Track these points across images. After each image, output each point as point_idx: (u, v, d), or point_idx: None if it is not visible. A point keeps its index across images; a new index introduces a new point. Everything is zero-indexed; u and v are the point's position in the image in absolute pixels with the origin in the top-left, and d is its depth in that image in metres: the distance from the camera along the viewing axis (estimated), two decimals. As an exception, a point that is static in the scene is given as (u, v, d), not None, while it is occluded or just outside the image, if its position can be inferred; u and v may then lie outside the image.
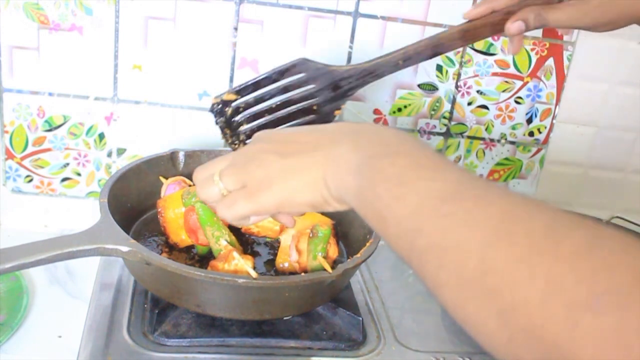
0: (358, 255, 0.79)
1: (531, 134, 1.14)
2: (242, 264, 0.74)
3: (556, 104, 1.12)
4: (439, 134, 1.11)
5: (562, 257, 0.36)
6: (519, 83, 1.10)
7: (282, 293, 0.75)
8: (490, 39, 1.06)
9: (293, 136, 0.59)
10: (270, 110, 0.79)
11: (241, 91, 0.80)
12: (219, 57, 1.01)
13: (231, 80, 1.03)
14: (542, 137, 1.14)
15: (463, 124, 1.11)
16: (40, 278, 0.91)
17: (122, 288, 0.87)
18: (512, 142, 1.14)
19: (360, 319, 0.82)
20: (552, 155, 1.16)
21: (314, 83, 0.78)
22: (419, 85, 1.08)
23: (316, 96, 0.79)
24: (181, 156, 0.97)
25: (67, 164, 1.03)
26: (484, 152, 1.14)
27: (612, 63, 1.11)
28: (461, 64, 1.07)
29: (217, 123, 0.81)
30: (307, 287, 0.76)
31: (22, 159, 1.02)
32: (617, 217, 1.10)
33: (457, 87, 1.09)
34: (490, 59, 1.07)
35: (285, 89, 0.78)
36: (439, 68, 1.07)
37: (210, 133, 1.05)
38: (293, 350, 0.79)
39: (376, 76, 0.79)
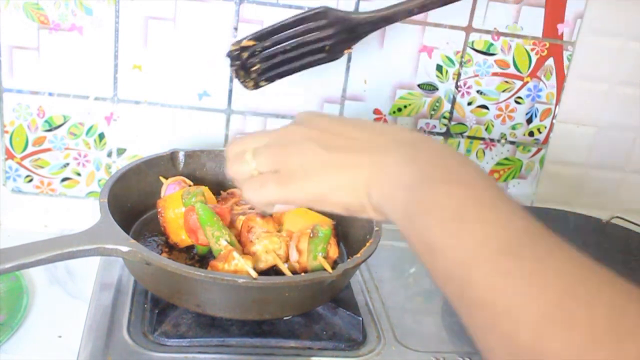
0: (358, 255, 0.79)
1: (531, 134, 1.14)
2: (242, 263, 0.74)
3: (556, 104, 1.12)
4: (439, 134, 1.11)
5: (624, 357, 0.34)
6: (519, 83, 1.10)
7: (282, 293, 0.75)
8: (490, 39, 1.06)
9: (342, 127, 0.54)
10: (284, 52, 0.81)
11: (259, 37, 0.82)
12: (219, 57, 1.01)
13: (231, 80, 1.03)
14: (542, 137, 1.14)
15: (463, 124, 1.11)
16: (40, 278, 0.91)
17: (122, 288, 0.87)
18: (512, 142, 1.14)
19: (360, 319, 0.82)
20: (552, 155, 1.16)
21: (332, 29, 0.80)
22: (419, 85, 1.08)
23: (330, 39, 0.80)
24: (181, 156, 0.97)
25: (67, 164, 1.03)
26: (484, 152, 1.14)
27: (612, 63, 1.11)
28: (461, 64, 1.07)
29: (231, 66, 0.84)
30: (307, 287, 0.75)
31: (22, 159, 1.02)
32: (617, 217, 1.10)
33: (457, 87, 1.09)
34: (490, 58, 1.07)
35: (302, 34, 0.80)
36: (439, 68, 1.07)
37: (210, 133, 1.05)
38: (293, 350, 0.79)
39: (390, 22, 0.81)
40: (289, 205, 0.56)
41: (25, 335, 0.80)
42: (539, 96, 1.11)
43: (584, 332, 0.35)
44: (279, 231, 0.85)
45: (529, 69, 1.09)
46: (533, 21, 1.06)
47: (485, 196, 0.45)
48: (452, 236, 0.43)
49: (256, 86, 0.89)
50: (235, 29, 1.00)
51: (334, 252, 0.82)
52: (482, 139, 1.13)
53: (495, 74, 1.09)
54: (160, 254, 0.83)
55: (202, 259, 0.86)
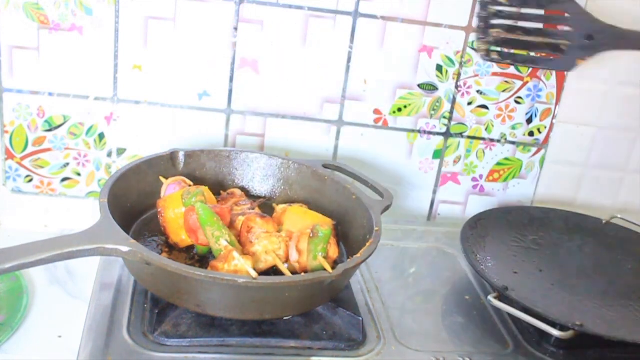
0: (358, 255, 0.79)
1: (531, 133, 1.14)
2: (242, 263, 0.74)
3: (556, 104, 1.12)
4: (439, 134, 1.11)
5: None
6: (519, 83, 1.10)
7: (282, 293, 0.75)
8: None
9: None
10: (524, 32, 0.80)
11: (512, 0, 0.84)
12: (219, 57, 1.02)
13: (231, 80, 1.03)
14: (542, 137, 1.14)
15: (463, 124, 1.11)
16: (40, 278, 0.91)
17: (122, 288, 0.87)
18: (512, 142, 1.14)
19: (360, 319, 0.82)
20: (552, 155, 1.16)
21: (572, 25, 0.80)
22: (419, 85, 1.08)
23: (569, 38, 0.80)
24: (181, 156, 0.97)
25: (67, 164, 1.03)
26: (484, 152, 1.14)
27: (612, 63, 1.11)
28: (461, 64, 1.07)
29: (477, 15, 0.86)
30: (307, 287, 0.75)
31: (22, 159, 1.02)
32: (617, 217, 1.10)
33: (457, 87, 1.09)
34: (490, 59, 1.07)
35: (546, 20, 0.80)
36: (439, 68, 1.07)
37: (210, 133, 1.06)
38: (293, 350, 0.79)
39: (628, 46, 0.80)
40: None
41: (26, 335, 0.80)
42: (539, 96, 1.11)
43: None
44: (278, 231, 0.85)
45: (529, 69, 1.09)
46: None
47: None
48: None
49: (487, 54, 0.91)
50: (236, 29, 1.00)
51: (334, 252, 0.82)
52: (482, 138, 1.13)
53: (495, 74, 1.09)
54: (160, 254, 0.83)
55: (202, 259, 0.85)
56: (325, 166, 0.99)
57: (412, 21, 1.03)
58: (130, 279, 0.88)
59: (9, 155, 1.02)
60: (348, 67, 1.05)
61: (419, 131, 1.10)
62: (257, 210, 0.89)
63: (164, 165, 0.95)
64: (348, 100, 1.07)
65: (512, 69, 1.08)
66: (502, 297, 0.87)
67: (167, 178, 0.93)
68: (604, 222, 1.10)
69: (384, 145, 1.11)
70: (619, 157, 1.18)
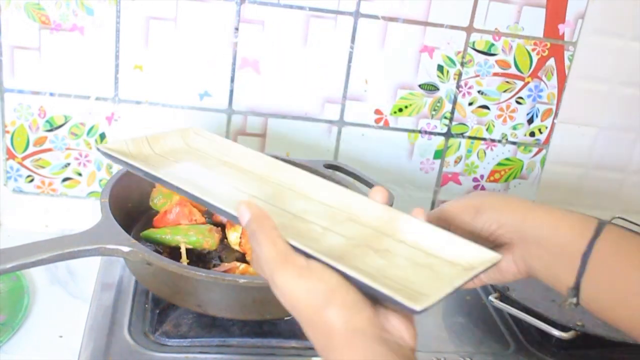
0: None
1: (532, 134, 1.14)
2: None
3: (557, 104, 1.12)
4: (439, 134, 1.11)
5: None
6: (520, 83, 1.10)
7: (283, 293, 0.75)
8: (491, 39, 1.06)
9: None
10: None
11: None
12: (220, 57, 1.02)
13: (232, 80, 1.03)
14: (543, 137, 1.14)
15: (464, 124, 1.11)
16: (41, 278, 0.91)
17: (123, 288, 0.87)
18: (513, 143, 1.14)
19: (361, 319, 0.82)
20: (553, 156, 1.16)
21: None
22: (419, 86, 1.08)
23: None
24: (182, 156, 0.97)
25: (68, 164, 1.03)
26: (484, 153, 1.14)
27: (613, 63, 1.11)
28: (462, 64, 1.07)
29: None
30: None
31: (23, 159, 1.02)
32: (618, 217, 1.10)
33: (458, 87, 1.08)
34: (491, 59, 1.07)
35: None
36: (440, 68, 1.07)
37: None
38: (294, 351, 0.79)
39: None
40: None
41: (26, 335, 0.80)
42: (540, 96, 1.11)
43: None
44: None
45: (530, 69, 1.09)
46: (534, 21, 1.06)
47: None
48: None
49: None
50: (236, 29, 1.00)
51: None
52: (483, 139, 1.13)
53: (496, 74, 1.09)
54: (161, 254, 0.83)
55: (203, 259, 0.86)
56: (326, 166, 0.99)
57: (413, 21, 1.03)
58: (131, 279, 0.88)
59: (10, 155, 1.02)
60: (349, 67, 1.05)
61: (419, 131, 1.10)
62: None
63: (164, 165, 0.95)
64: (349, 101, 1.07)
65: (513, 69, 1.08)
66: (503, 297, 0.87)
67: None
68: (604, 222, 1.10)
69: (385, 146, 1.11)
70: (621, 157, 1.18)
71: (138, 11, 0.97)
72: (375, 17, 1.02)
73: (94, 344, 0.76)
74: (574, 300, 0.57)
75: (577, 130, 1.15)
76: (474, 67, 1.07)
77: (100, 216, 0.78)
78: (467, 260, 0.56)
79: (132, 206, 0.90)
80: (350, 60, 1.05)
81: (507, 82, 1.09)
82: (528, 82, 1.10)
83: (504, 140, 1.13)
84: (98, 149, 0.67)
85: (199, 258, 0.85)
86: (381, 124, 1.09)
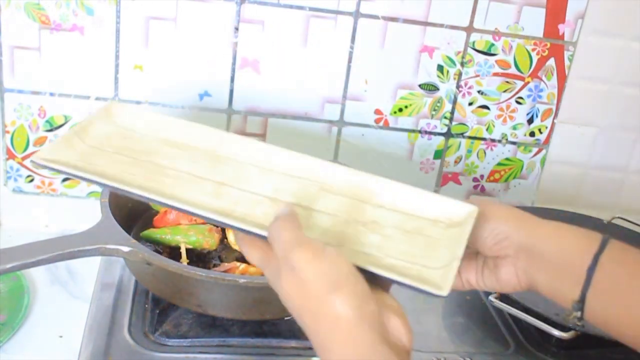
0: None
1: (532, 134, 1.14)
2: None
3: (557, 104, 1.12)
4: (439, 134, 1.11)
5: None
6: (520, 83, 1.10)
7: (283, 293, 0.75)
8: (491, 39, 1.06)
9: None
10: None
11: None
12: (220, 57, 1.02)
13: (232, 80, 1.03)
14: (543, 137, 1.14)
15: (464, 124, 1.11)
16: (41, 278, 0.91)
17: (123, 288, 0.87)
18: (513, 143, 1.14)
19: (361, 319, 0.82)
20: (553, 156, 1.16)
21: None
22: (419, 86, 1.08)
23: None
24: (182, 156, 0.97)
25: (68, 164, 1.03)
26: (484, 153, 1.14)
27: (613, 63, 1.11)
28: (462, 64, 1.07)
29: None
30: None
31: (23, 158, 1.02)
32: (618, 217, 1.10)
33: (458, 87, 1.08)
34: (492, 59, 1.07)
35: None
36: (440, 68, 1.07)
37: (211, 133, 1.05)
38: (294, 351, 0.79)
39: None
40: None
41: (26, 335, 0.80)
42: (540, 96, 1.11)
43: None
44: None
45: (530, 69, 1.09)
46: (534, 21, 1.06)
47: None
48: None
49: None
50: (236, 29, 1.00)
51: None
52: (483, 139, 1.13)
53: (496, 74, 1.09)
54: (161, 254, 0.83)
55: (203, 259, 0.86)
56: (326, 166, 0.99)
57: (413, 21, 1.03)
58: (131, 279, 0.88)
59: (10, 155, 1.02)
60: (349, 67, 1.05)
61: (419, 131, 1.10)
62: None
63: (165, 165, 0.95)
64: (349, 101, 1.07)
65: (513, 69, 1.08)
66: (503, 297, 0.87)
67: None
68: (605, 222, 1.10)
69: (385, 146, 1.11)
70: (621, 157, 1.18)
71: (138, 11, 0.97)
72: (375, 17, 1.02)
73: (94, 344, 0.76)
74: (579, 314, 0.58)
75: (577, 130, 1.15)
76: (474, 67, 1.07)
77: (100, 216, 0.78)
78: (446, 216, 0.59)
79: (132, 206, 0.90)
80: (350, 60, 1.05)
81: (507, 82, 1.09)
82: (528, 82, 1.10)
83: (504, 140, 1.13)
84: (32, 162, 0.59)
85: (199, 258, 0.85)
86: (381, 124, 1.09)
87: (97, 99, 1.01)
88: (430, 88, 1.08)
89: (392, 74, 1.06)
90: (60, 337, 0.81)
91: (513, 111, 1.11)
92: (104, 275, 0.90)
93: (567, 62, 1.09)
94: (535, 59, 1.08)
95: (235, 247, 0.88)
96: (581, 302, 0.58)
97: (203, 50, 1.01)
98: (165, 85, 1.02)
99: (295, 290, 0.50)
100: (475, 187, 1.16)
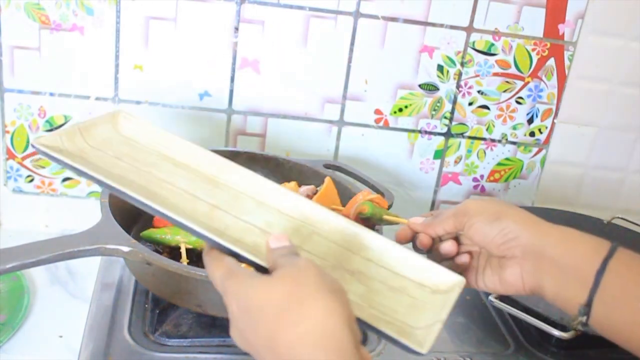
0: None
1: (532, 134, 1.14)
2: None
3: (557, 104, 1.12)
4: (439, 134, 1.11)
5: None
6: (519, 83, 1.10)
7: (283, 293, 0.75)
8: (491, 39, 1.06)
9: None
10: None
11: None
12: (220, 57, 1.02)
13: (232, 80, 1.03)
14: (543, 137, 1.14)
15: (464, 124, 1.11)
16: (41, 278, 0.91)
17: (123, 288, 0.87)
18: (513, 143, 1.14)
19: (361, 319, 0.82)
20: (553, 156, 1.16)
21: None
22: (419, 85, 1.08)
23: None
24: (182, 156, 0.96)
25: (68, 164, 1.03)
26: (484, 152, 1.14)
27: (613, 63, 1.11)
28: (462, 64, 1.07)
29: None
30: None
31: (23, 158, 1.02)
32: (618, 217, 1.10)
33: (458, 87, 1.08)
34: (491, 59, 1.07)
35: None
36: (440, 68, 1.07)
37: (211, 133, 1.06)
38: (294, 351, 0.79)
39: None
40: None
41: (26, 335, 0.80)
42: (540, 96, 1.11)
43: None
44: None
45: (530, 69, 1.09)
46: (534, 21, 1.06)
47: None
48: None
49: None
50: (236, 29, 1.00)
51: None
52: (483, 139, 1.13)
53: (496, 74, 1.09)
54: (161, 254, 0.83)
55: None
56: (326, 166, 0.99)
57: (413, 21, 1.03)
58: (131, 279, 0.88)
59: (10, 155, 1.02)
60: (349, 67, 1.05)
61: (419, 131, 1.10)
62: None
63: (164, 165, 0.95)
64: (349, 100, 1.07)
65: (513, 69, 1.08)
66: (503, 297, 0.87)
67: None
68: (605, 222, 1.10)
69: (385, 146, 1.11)
70: (621, 157, 1.18)
71: (138, 11, 0.97)
72: (375, 17, 1.02)
73: (94, 344, 0.76)
74: (584, 318, 0.58)
75: (577, 130, 1.15)
76: (474, 67, 1.07)
77: (100, 216, 0.78)
78: (433, 282, 0.59)
79: (132, 206, 0.90)
80: (350, 60, 1.05)
81: (507, 82, 1.09)
82: (528, 82, 1.10)
83: (504, 140, 1.13)
84: (32, 146, 0.61)
85: (199, 258, 0.85)
86: (381, 124, 1.09)
87: (97, 99, 1.01)
88: (430, 88, 1.08)
89: (392, 74, 1.06)
90: (60, 337, 0.81)
91: (513, 111, 1.11)
92: (104, 275, 0.90)
93: (567, 62, 1.09)
94: (535, 59, 1.08)
95: None
96: (588, 306, 0.58)
97: (203, 50, 1.01)
98: (165, 85, 1.02)
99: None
100: (475, 187, 1.16)
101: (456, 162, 1.14)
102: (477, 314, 0.93)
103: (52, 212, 1.05)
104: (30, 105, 0.99)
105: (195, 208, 0.60)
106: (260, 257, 0.53)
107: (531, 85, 1.10)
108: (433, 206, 1.16)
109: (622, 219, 1.09)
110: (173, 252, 0.85)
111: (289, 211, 0.63)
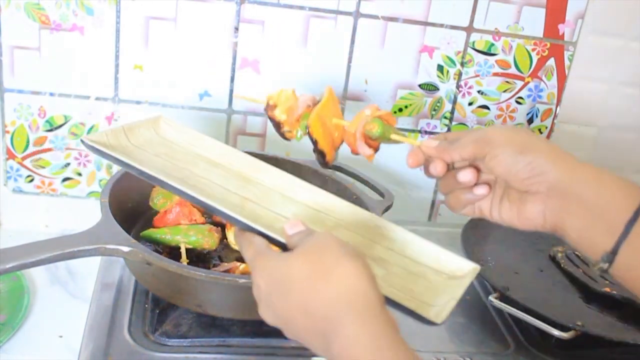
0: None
1: (532, 134, 1.13)
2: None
3: (557, 104, 1.12)
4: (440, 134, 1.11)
5: None
6: (519, 83, 1.10)
7: (283, 293, 0.75)
8: (491, 39, 1.06)
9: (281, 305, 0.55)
10: None
11: None
12: (220, 57, 1.02)
13: (232, 80, 1.03)
14: (543, 137, 1.14)
15: (464, 124, 1.11)
16: (41, 278, 0.91)
17: (123, 288, 0.87)
18: (513, 142, 1.14)
19: (361, 319, 0.82)
20: (553, 156, 1.16)
21: None
22: (419, 85, 1.08)
23: None
24: (182, 156, 0.97)
25: (68, 163, 1.03)
26: (484, 152, 1.13)
27: (612, 63, 1.11)
28: (462, 64, 1.07)
29: None
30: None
31: (23, 158, 1.02)
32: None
33: (458, 87, 1.09)
34: (492, 59, 1.07)
35: None
36: (440, 68, 1.07)
37: (211, 133, 1.05)
38: (294, 351, 0.79)
39: None
40: None
41: (26, 335, 0.80)
42: (539, 96, 1.11)
43: None
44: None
45: (530, 69, 1.09)
46: (534, 21, 1.06)
47: None
48: None
49: None
50: (236, 29, 1.00)
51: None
52: (483, 139, 1.12)
53: (496, 74, 1.09)
54: (161, 254, 0.83)
55: (203, 259, 0.86)
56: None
57: (413, 21, 1.03)
58: (131, 279, 0.88)
59: (10, 155, 1.02)
60: (349, 67, 1.05)
61: (419, 131, 1.10)
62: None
63: (164, 165, 0.95)
64: (349, 100, 1.07)
65: (513, 69, 1.08)
66: (503, 297, 0.87)
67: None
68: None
69: (385, 145, 1.10)
70: (620, 157, 1.18)
71: (138, 11, 0.97)
72: (375, 17, 1.02)
73: (94, 344, 0.76)
74: (606, 265, 0.55)
75: (577, 130, 1.15)
76: (474, 67, 1.07)
77: (100, 216, 0.78)
78: (450, 269, 0.63)
79: (132, 206, 0.90)
80: (350, 60, 1.05)
81: (507, 82, 1.09)
82: (528, 82, 1.10)
83: (504, 140, 1.13)
84: (82, 142, 0.67)
85: (199, 258, 0.85)
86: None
87: (97, 99, 1.01)
88: (430, 88, 1.08)
89: (392, 73, 1.06)
90: (60, 337, 0.81)
91: (513, 111, 1.11)
92: (104, 275, 0.90)
93: (567, 62, 1.09)
94: (535, 59, 1.08)
95: (235, 247, 0.88)
96: (612, 254, 0.54)
97: (203, 50, 1.01)
98: (165, 85, 1.02)
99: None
100: (475, 187, 1.16)
101: (456, 162, 1.14)
102: (477, 314, 0.93)
103: (52, 212, 1.05)
104: (30, 105, 1.00)
105: (229, 200, 0.66)
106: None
107: (531, 85, 1.10)
108: (433, 206, 1.17)
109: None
110: (173, 252, 0.85)
111: (315, 205, 0.69)
